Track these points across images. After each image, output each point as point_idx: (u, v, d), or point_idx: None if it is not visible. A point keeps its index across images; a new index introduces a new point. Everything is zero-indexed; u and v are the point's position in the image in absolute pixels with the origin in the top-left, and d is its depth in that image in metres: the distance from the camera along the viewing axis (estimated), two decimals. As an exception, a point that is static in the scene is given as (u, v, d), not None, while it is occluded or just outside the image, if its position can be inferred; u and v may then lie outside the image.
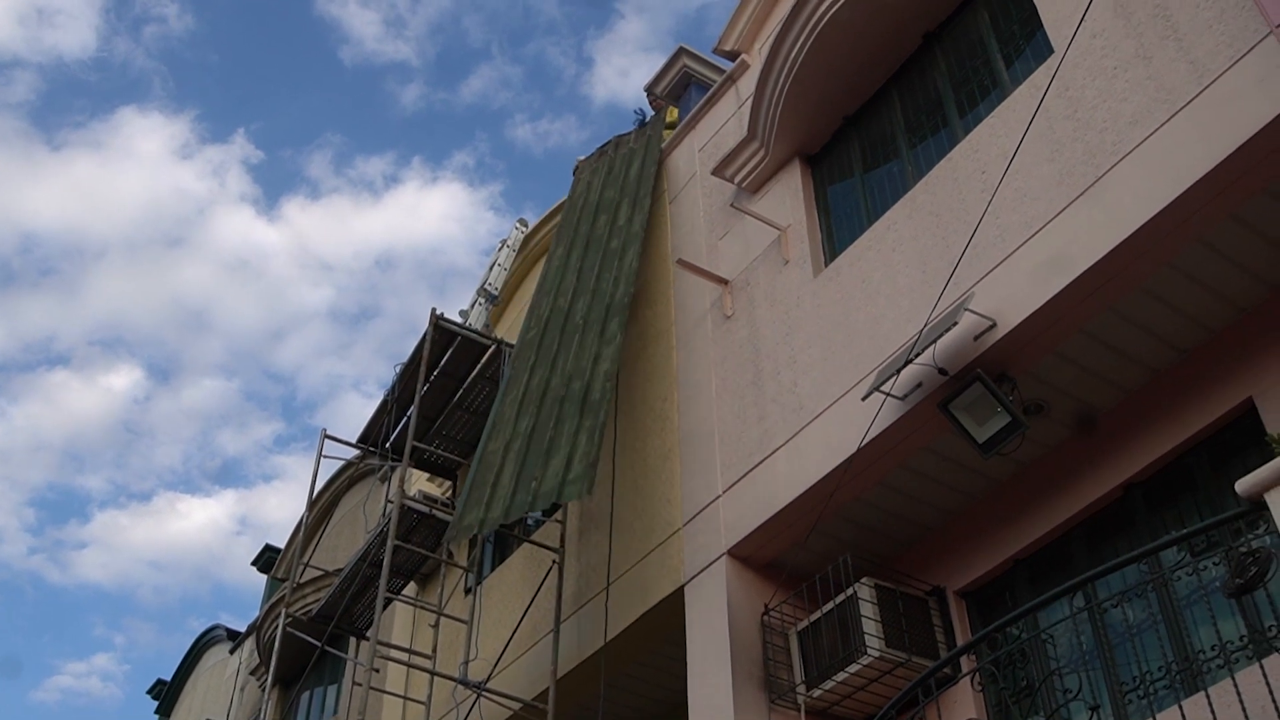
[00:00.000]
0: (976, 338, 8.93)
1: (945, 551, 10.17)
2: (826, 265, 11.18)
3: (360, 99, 72.38)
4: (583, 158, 16.46)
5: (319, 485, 19.25)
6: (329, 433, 15.69)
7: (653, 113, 16.49)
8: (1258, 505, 6.68)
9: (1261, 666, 6.59)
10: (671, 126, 15.05)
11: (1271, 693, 6.39)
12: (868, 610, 9.55)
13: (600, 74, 69.14)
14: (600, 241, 13.79)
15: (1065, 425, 9.45)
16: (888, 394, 9.32)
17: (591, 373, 11.86)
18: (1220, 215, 8.08)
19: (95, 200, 67.68)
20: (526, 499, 10.97)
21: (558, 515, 13.01)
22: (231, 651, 23.95)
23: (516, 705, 12.13)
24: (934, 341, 8.89)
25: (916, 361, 9.04)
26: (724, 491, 10.92)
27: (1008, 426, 8.80)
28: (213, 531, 73.55)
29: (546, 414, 11.83)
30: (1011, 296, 8.85)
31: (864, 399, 9.49)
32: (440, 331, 14.19)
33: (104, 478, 74.58)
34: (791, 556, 10.39)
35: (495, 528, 11.23)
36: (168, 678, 27.10)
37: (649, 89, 16.24)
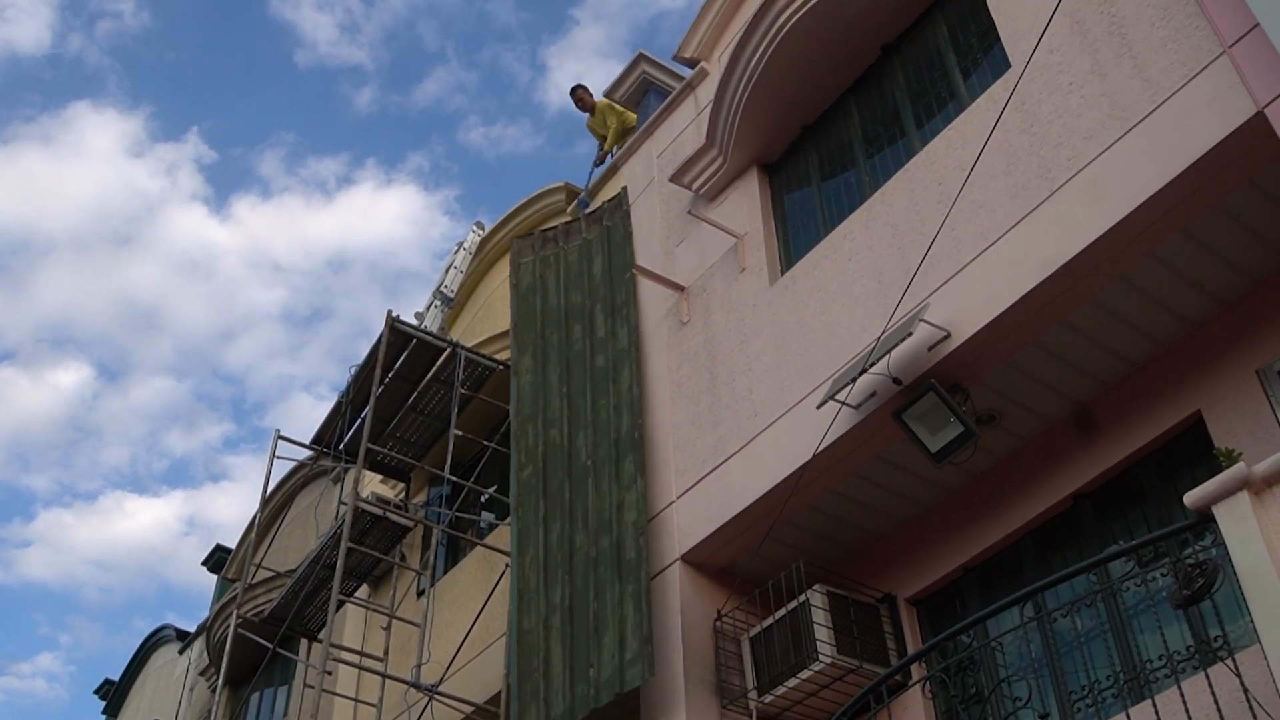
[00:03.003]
0: (931, 348, 9.01)
1: (897, 559, 10.26)
2: (783, 273, 11.25)
3: (314, 101, 71.96)
4: (518, 236, 14.55)
5: (271, 486, 19.14)
6: (281, 434, 15.63)
7: (594, 187, 15.13)
8: (1205, 517, 6.79)
9: (1207, 676, 6.67)
10: (625, 218, 13.55)
11: (1217, 701, 6.49)
12: (819, 617, 9.61)
13: (555, 80, 69.10)
14: (582, 358, 12.51)
15: (1017, 435, 9.56)
16: (842, 403, 9.40)
17: (619, 526, 10.89)
18: (1172, 231, 8.20)
19: (44, 196, 66.92)
20: (589, 692, 10.16)
21: (508, 520, 13.01)
22: (180, 652, 23.77)
23: (469, 709, 12.14)
24: (889, 351, 8.97)
25: (871, 371, 9.11)
26: (678, 497, 10.97)
27: (960, 436, 8.90)
28: (160, 532, 72.92)
29: (582, 582, 10.86)
30: (966, 307, 8.94)
31: (818, 407, 9.56)
32: (395, 334, 14.16)
33: (49, 477, 73.79)
34: (745, 562, 10.44)
35: None
36: (115, 678, 26.85)
37: (608, 94, 16.25)
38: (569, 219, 14.48)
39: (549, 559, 11.16)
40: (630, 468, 11.22)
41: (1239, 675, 6.49)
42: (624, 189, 13.83)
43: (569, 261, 13.52)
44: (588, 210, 14.23)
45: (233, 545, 22.74)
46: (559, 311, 13.12)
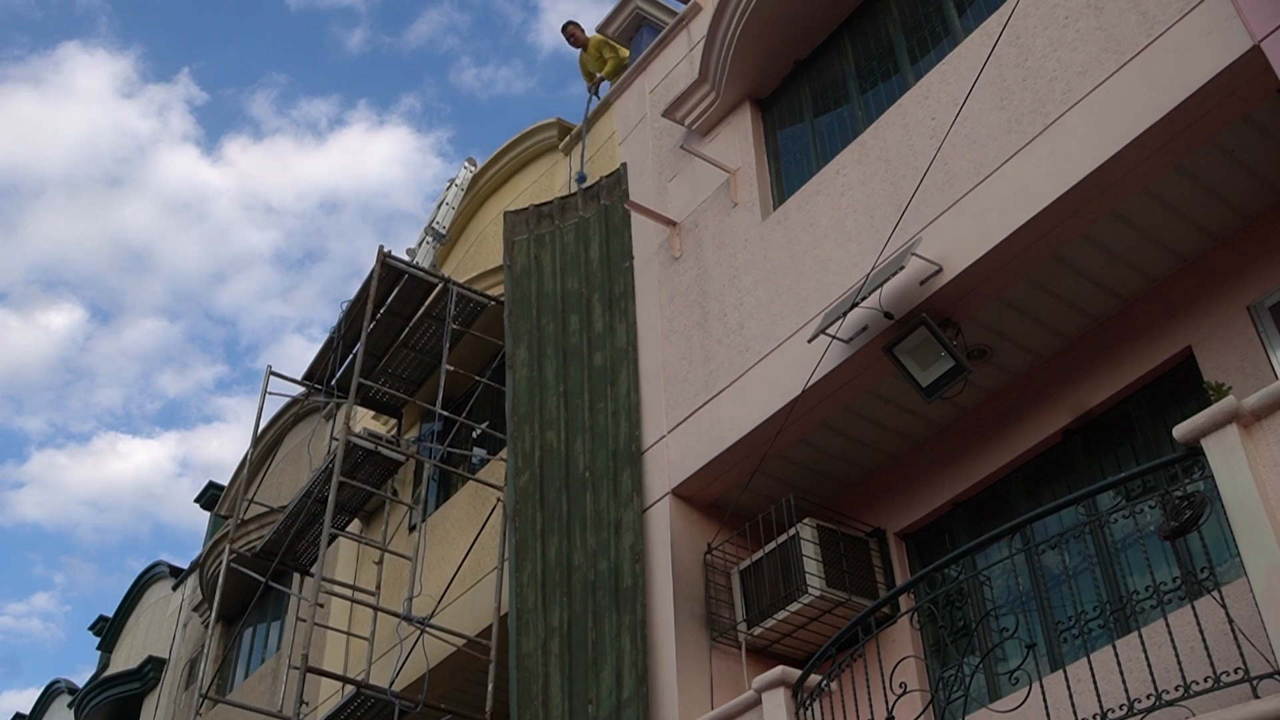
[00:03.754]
0: (922, 282, 9.00)
1: (886, 493, 10.30)
2: (775, 208, 11.22)
3: (304, 41, 71.49)
4: (510, 210, 14.03)
5: (263, 423, 19.16)
6: (273, 370, 15.62)
7: (590, 100, 15.06)
8: (1194, 450, 6.81)
9: (1193, 608, 6.70)
10: (624, 198, 12.92)
11: (1203, 633, 6.52)
12: (809, 550, 9.66)
13: (547, 21, 68.57)
14: (579, 353, 12.06)
15: (1007, 370, 9.57)
16: (833, 337, 9.39)
17: (616, 549, 10.58)
18: (1165, 166, 8.18)
19: (35, 137, 66.61)
20: None
21: (502, 454, 13.05)
22: (174, 588, 23.88)
23: (460, 642, 12.20)
24: (880, 285, 8.96)
25: (862, 305, 9.11)
26: (669, 431, 11.00)
27: (951, 371, 8.90)
28: (153, 472, 73.11)
29: (580, 606, 10.55)
30: (958, 242, 8.93)
31: (809, 341, 9.56)
32: (387, 269, 14.12)
33: (43, 418, 73.89)
34: (735, 496, 10.49)
35: None
36: (110, 615, 26.99)
37: (600, 30, 16.13)
38: (565, 194, 13.94)
39: (547, 577, 10.84)
40: (628, 483, 10.93)
41: (1225, 607, 6.52)
42: (623, 165, 13.30)
43: (565, 242, 13.00)
44: (585, 185, 13.66)
45: (226, 483, 22.80)
46: (555, 298, 12.65)
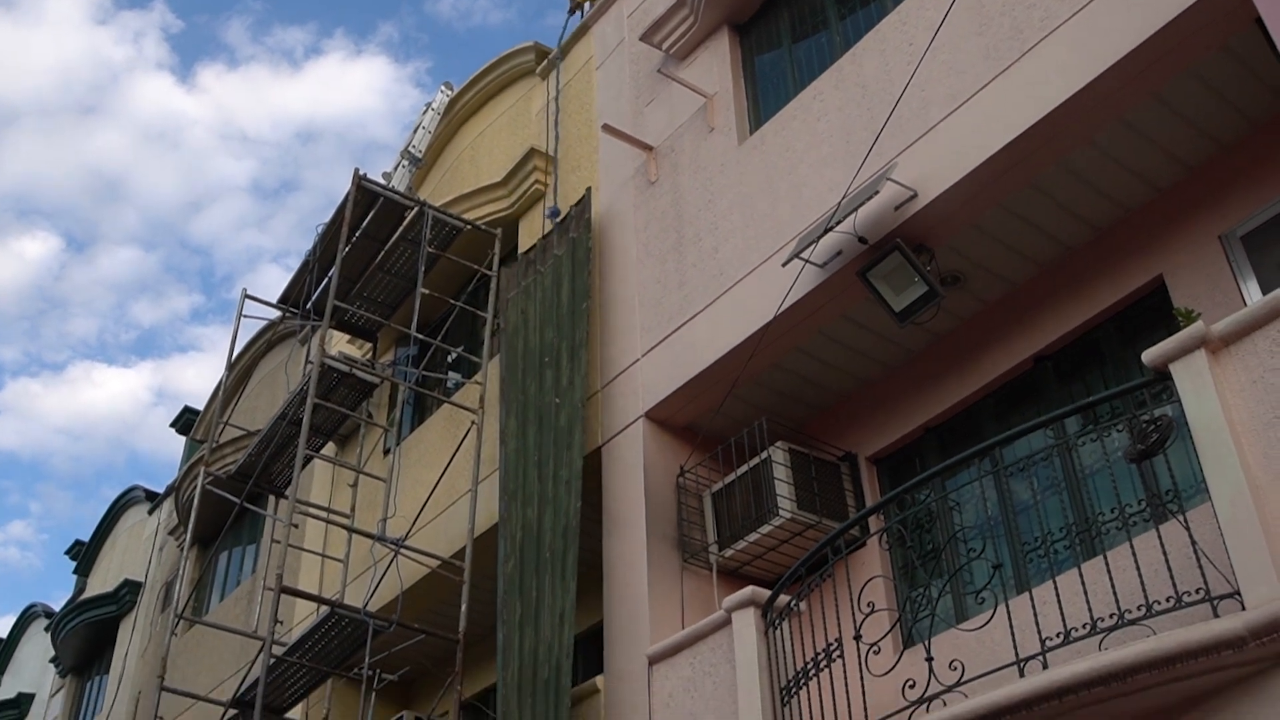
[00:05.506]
0: (897, 208, 9.02)
1: (858, 418, 10.37)
2: (751, 133, 11.20)
3: (281, -35, 70.66)
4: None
5: (239, 347, 19.15)
6: (248, 293, 15.56)
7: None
8: (1162, 376, 6.88)
9: (1158, 531, 6.80)
10: (587, 229, 12.28)
11: (1166, 556, 6.62)
12: (781, 473, 9.73)
13: (526, -52, 67.94)
14: (550, 413, 11.50)
15: (980, 297, 9.62)
16: (807, 261, 9.42)
17: (559, 644, 10.19)
18: (1141, 95, 8.18)
19: (7, 64, 65.89)
20: None
21: (478, 377, 13.07)
22: (150, 512, 23.92)
23: (434, 563, 12.27)
24: (855, 210, 8.97)
25: (837, 230, 9.13)
26: (643, 355, 11.04)
27: (924, 296, 8.94)
28: (128, 401, 73.03)
29: (539, 706, 10.12)
30: (933, 168, 8.94)
31: (784, 265, 9.59)
32: (363, 192, 14.04)
33: (17, 347, 73.63)
34: (708, 420, 10.55)
35: None
36: (86, 540, 27.05)
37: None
38: (541, 185, 13.73)
39: (521, 677, 10.46)
40: (570, 561, 10.47)
41: (1188, 529, 6.61)
42: (588, 190, 12.70)
43: (544, 287, 12.50)
44: (558, 218, 13.09)
45: (201, 409, 22.79)
46: (536, 354, 12.14)
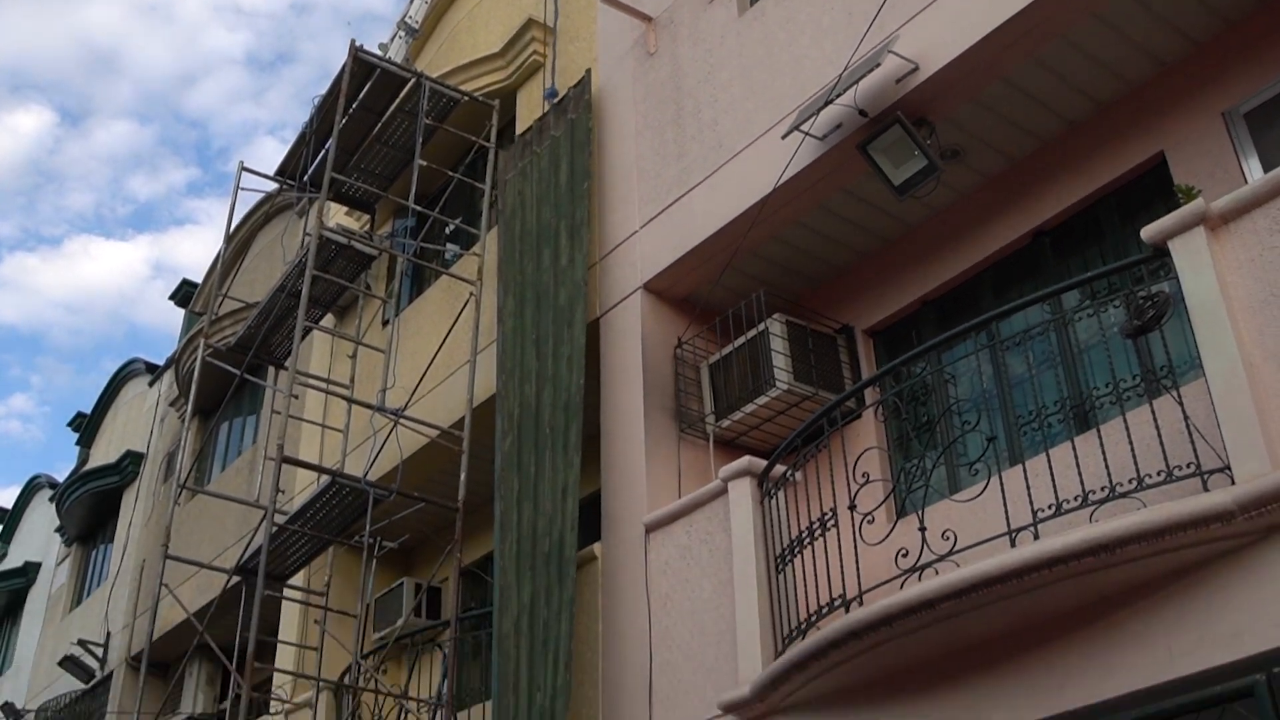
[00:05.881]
0: (898, 81, 8.94)
1: (856, 291, 10.40)
2: (752, 4, 11.04)
3: None
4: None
5: (236, 220, 19.09)
6: (245, 165, 15.49)
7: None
8: (1161, 252, 6.89)
9: (1151, 407, 6.84)
10: (587, 110, 12.07)
11: (1159, 431, 6.68)
12: (778, 345, 9.78)
13: None
14: (548, 292, 11.44)
15: (980, 172, 9.58)
16: (807, 133, 9.37)
17: (562, 516, 10.14)
18: (1149, -35, 8.08)
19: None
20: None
21: (476, 249, 13.06)
22: (150, 384, 24.03)
23: (433, 433, 12.36)
24: (855, 83, 8.90)
25: (837, 102, 9.06)
26: (641, 226, 11.03)
27: (924, 170, 8.90)
28: (126, 275, 72.99)
29: (539, 577, 10.16)
30: (936, 40, 8.84)
31: (783, 138, 9.53)
32: (359, 64, 13.90)
33: (13, 222, 73.39)
34: (705, 292, 10.56)
35: None
36: (88, 412, 27.20)
37: None
38: (540, 57, 13.37)
39: (520, 548, 10.50)
40: (574, 437, 10.42)
41: (1181, 404, 6.67)
42: (588, 72, 12.38)
43: (541, 168, 12.34)
44: (555, 99, 12.81)
45: (200, 282, 22.80)
46: (533, 234, 12.03)
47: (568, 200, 11.76)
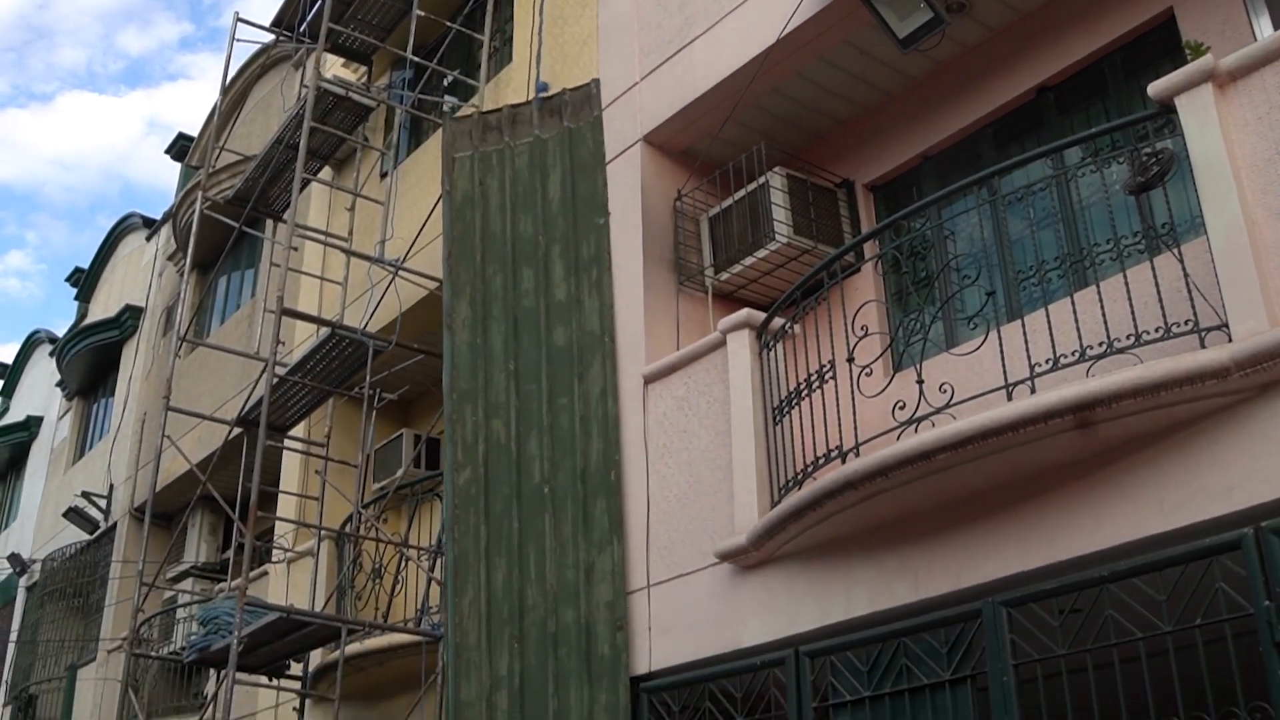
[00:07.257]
0: (905, -71, 8.79)
1: (857, 145, 10.33)
2: None
3: None
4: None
5: (232, 72, 18.86)
6: (240, 16, 15.29)
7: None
8: (1167, 109, 6.82)
9: (1152, 264, 6.83)
10: (596, 126, 10.92)
11: (1158, 288, 6.68)
12: (778, 198, 9.74)
13: None
14: (534, 323, 10.26)
15: (985, 25, 9.46)
16: (811, -16, 9.23)
17: (588, 602, 9.07)
18: None
19: None
20: None
21: (474, 100, 12.94)
22: (148, 239, 23.96)
23: (432, 284, 12.36)
24: (862, -69, 8.75)
25: (843, -48, 8.92)
26: (642, 78, 10.90)
27: (928, 23, 8.77)
28: (120, 131, 72.29)
29: (537, 660, 9.12)
30: (944, -113, 8.68)
31: (787, -11, 9.40)
32: (356, -89, 13.68)
33: (4, 79, 72.45)
34: (706, 144, 10.48)
35: None
36: (85, 267, 27.16)
37: None
38: (517, 103, 11.54)
39: (492, 610, 9.39)
40: (604, 520, 9.36)
41: (1182, 261, 6.66)
42: (595, 81, 11.24)
43: (517, 167, 10.87)
44: (545, 95, 11.36)
45: (196, 135, 22.60)
46: (503, 242, 10.63)
47: (563, 222, 10.62)
